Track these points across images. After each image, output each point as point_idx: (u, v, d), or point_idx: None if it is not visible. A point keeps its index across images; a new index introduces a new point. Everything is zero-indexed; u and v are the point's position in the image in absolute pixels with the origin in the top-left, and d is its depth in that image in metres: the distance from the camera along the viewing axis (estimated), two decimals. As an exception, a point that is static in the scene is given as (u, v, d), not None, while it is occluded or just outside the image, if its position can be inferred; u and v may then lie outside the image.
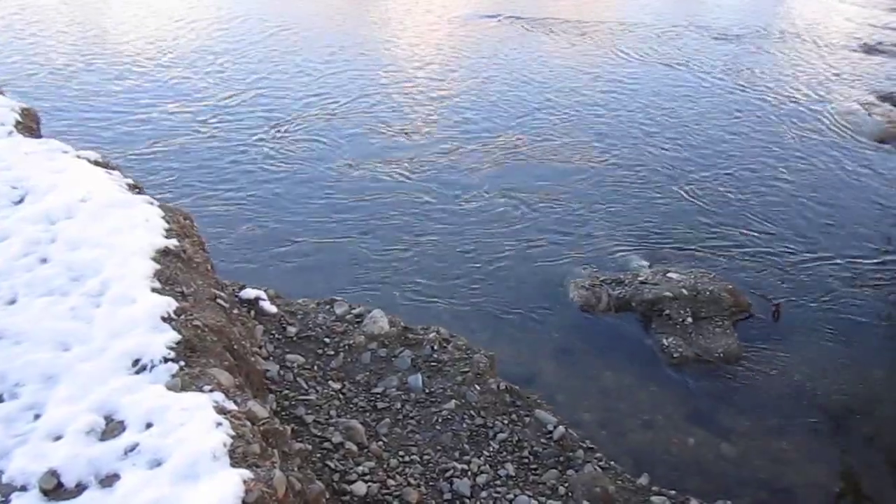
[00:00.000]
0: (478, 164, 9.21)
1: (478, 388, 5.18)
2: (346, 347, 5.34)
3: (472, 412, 4.98)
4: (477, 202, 8.45)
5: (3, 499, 2.68)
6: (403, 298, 6.70)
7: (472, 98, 11.18)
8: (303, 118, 10.12)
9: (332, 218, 7.86)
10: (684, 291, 7.10)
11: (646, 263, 7.82)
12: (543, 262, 7.66)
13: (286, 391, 4.69)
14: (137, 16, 14.31)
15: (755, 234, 8.36)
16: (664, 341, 6.66)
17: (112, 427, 3.00)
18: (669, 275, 7.46)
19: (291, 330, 5.33)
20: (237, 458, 2.83)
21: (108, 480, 2.76)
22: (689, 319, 6.88)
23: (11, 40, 12.56)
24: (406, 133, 9.87)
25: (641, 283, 7.33)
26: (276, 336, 5.22)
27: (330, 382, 4.98)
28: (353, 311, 5.73)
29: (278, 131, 9.65)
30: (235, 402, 3.21)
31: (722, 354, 6.57)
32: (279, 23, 14.15)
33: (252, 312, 5.19)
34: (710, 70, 13.34)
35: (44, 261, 3.94)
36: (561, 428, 5.03)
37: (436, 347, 5.48)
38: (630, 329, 6.93)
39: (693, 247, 8.13)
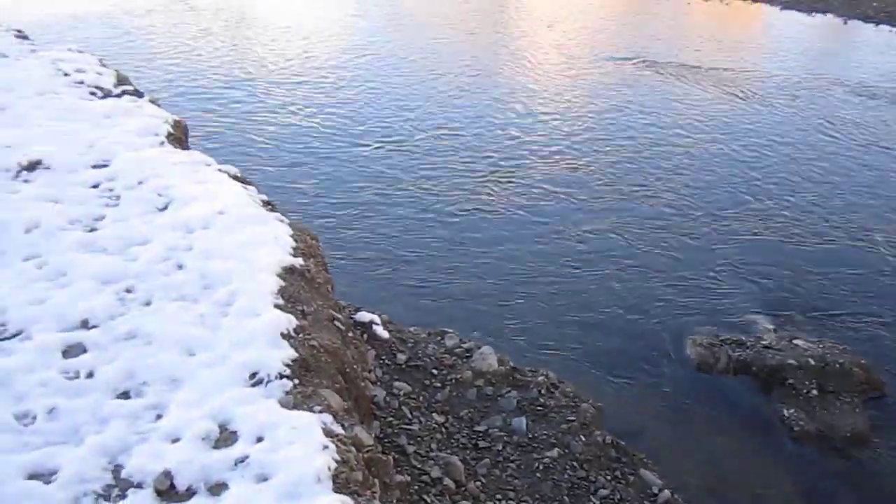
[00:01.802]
0: (598, 206, 9.06)
1: (583, 438, 5.03)
2: (453, 381, 5.32)
3: (574, 463, 4.84)
4: (594, 245, 8.29)
5: (121, 493, 2.80)
6: (513, 337, 6.63)
7: (597, 139, 11.05)
8: (431, 146, 10.28)
9: (451, 249, 7.91)
10: (811, 361, 6.68)
11: (770, 326, 7.41)
12: (661, 312, 7.41)
13: (390, 418, 4.72)
14: (280, 35, 15.04)
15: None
16: (784, 412, 6.27)
17: (225, 436, 3.09)
18: (796, 341, 7.04)
19: (401, 357, 5.37)
20: (340, 483, 2.84)
21: (217, 489, 2.84)
22: (815, 392, 6.45)
23: (168, 56, 13.49)
24: (525, 170, 9.84)
25: (764, 347, 6.95)
26: (386, 362, 5.27)
27: (434, 415, 4.97)
28: (463, 345, 5.72)
29: (410, 157, 9.83)
30: (343, 425, 3.24)
31: (848, 434, 6.10)
32: (416, 52, 14.50)
33: (365, 336, 5.27)
34: (848, 127, 12.65)
35: (179, 267, 4.15)
36: (666, 492, 4.81)
37: (543, 392, 5.38)
38: (748, 395, 6.56)
39: (825, 313, 7.64)
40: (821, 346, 6.94)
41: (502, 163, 9.95)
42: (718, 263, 8.31)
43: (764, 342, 7.01)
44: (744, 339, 7.07)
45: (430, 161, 9.82)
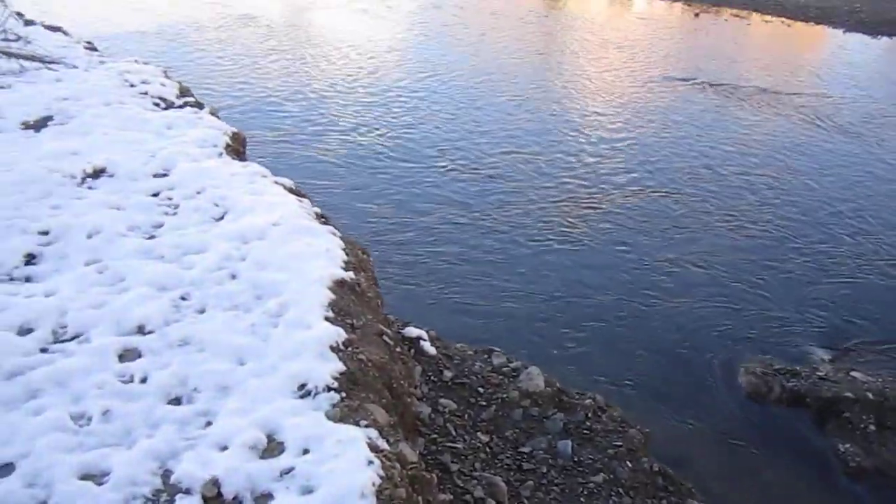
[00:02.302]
0: (653, 227, 8.94)
1: (629, 464, 4.94)
2: (499, 400, 5.28)
3: (620, 489, 4.75)
4: (647, 270, 8.18)
5: (169, 499, 2.84)
6: (562, 358, 6.57)
7: (653, 160, 10.91)
8: (493, 168, 10.25)
9: (504, 269, 7.88)
10: (869, 395, 6.45)
11: (827, 357, 7.20)
12: (713, 338, 7.26)
13: (435, 435, 4.70)
14: (344, 53, 15.21)
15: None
16: (840, 446, 6.06)
17: (272, 446, 3.12)
18: (853, 374, 6.82)
19: (447, 374, 5.36)
20: (383, 499, 2.84)
21: (263, 499, 2.86)
22: (872, 427, 6.23)
23: (231, 69, 13.81)
24: (584, 194, 9.77)
25: (820, 378, 6.75)
26: (432, 378, 5.27)
27: (478, 434, 4.94)
28: (510, 365, 5.68)
29: (466, 176, 9.84)
30: (388, 441, 3.24)
31: (908, 472, 5.88)
32: (483, 73, 14.48)
33: (412, 351, 5.27)
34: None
35: (233, 276, 4.22)
36: (714, 524, 4.68)
37: (590, 415, 5.31)
38: (801, 427, 6.37)
39: (885, 346, 7.39)
40: (880, 379, 6.71)
41: (561, 186, 9.89)
42: (775, 291, 8.11)
43: (820, 373, 6.81)
44: (798, 369, 6.87)
45: (490, 183, 9.79)
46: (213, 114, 7.00)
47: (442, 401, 5.09)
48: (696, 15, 19.81)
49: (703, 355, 7.06)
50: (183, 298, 4.03)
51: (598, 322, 7.22)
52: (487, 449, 4.84)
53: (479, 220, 8.68)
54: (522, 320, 7.04)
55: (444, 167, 9.88)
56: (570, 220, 8.90)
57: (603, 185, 9.97)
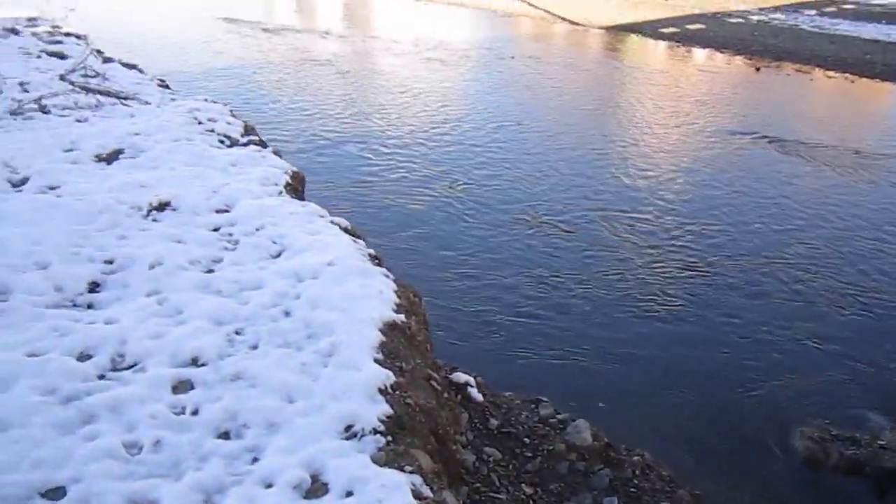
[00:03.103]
0: (718, 287, 8.76)
1: (677, 527, 4.79)
2: (545, 452, 5.20)
3: (666, 553, 4.60)
4: (705, 326, 8.00)
5: (214, 534, 2.86)
6: (610, 412, 6.44)
7: (709, 215, 10.74)
8: (545, 214, 10.22)
9: (552, 317, 7.81)
10: (935, 469, 6.15)
11: (888, 424, 6.90)
12: (769, 399, 7.03)
13: (478, 485, 4.64)
14: (407, 97, 15.47)
15: None
16: (902, 521, 5.78)
17: (316, 487, 3.12)
18: (918, 445, 6.51)
19: (493, 422, 5.31)
20: (425, 548, 2.81)
21: (305, 540, 2.86)
22: (938, 503, 5.93)
23: (294, 109, 14.19)
24: (637, 245, 9.66)
25: (881, 447, 6.46)
26: (478, 426, 5.22)
27: (523, 485, 4.85)
28: (558, 416, 5.59)
29: (520, 224, 9.83)
30: (432, 488, 3.22)
31: (978, 555, 5.56)
32: (543, 120, 14.56)
33: (459, 397, 5.24)
34: None
35: (287, 314, 4.28)
36: None
37: (637, 472, 5.17)
38: (860, 497, 6.08)
39: (952, 417, 7.05)
40: (947, 453, 6.39)
41: (619, 239, 9.78)
42: (836, 352, 7.85)
43: (881, 441, 6.52)
44: (858, 436, 6.59)
45: (547, 234, 9.73)
46: (275, 153, 7.18)
47: (487, 449, 5.03)
48: (758, 69, 19.64)
49: (758, 415, 6.84)
50: (237, 333, 4.11)
51: (649, 377, 7.08)
52: (531, 502, 4.75)
53: (534, 270, 8.64)
54: (572, 372, 6.95)
55: (500, 216, 9.91)
56: (625, 274, 8.79)
57: (659, 239, 9.85)
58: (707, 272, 8.95)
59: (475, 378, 5.62)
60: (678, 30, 22.56)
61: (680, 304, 8.22)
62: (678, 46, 21.35)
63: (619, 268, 8.83)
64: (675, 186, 11.56)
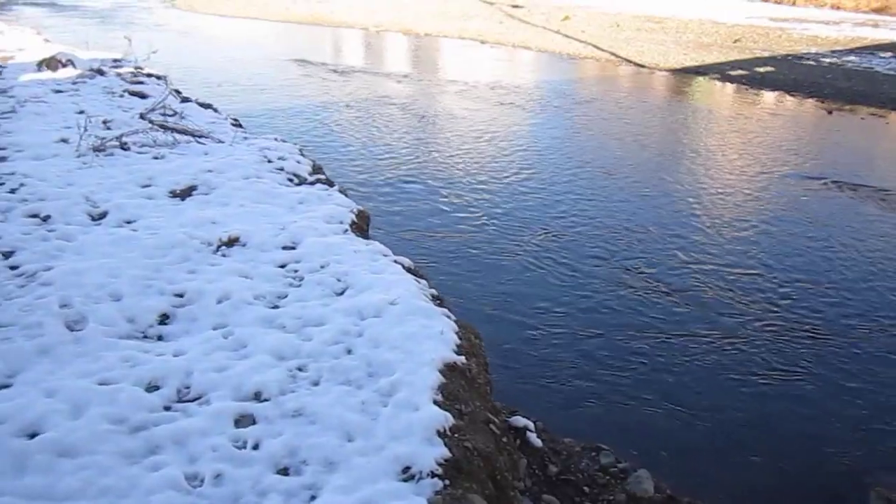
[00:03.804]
0: (796, 337, 8.44)
1: (743, 588, 4.57)
2: (605, 502, 5.06)
3: None
4: (781, 378, 7.72)
5: (269, 571, 2.86)
6: (674, 462, 6.22)
7: (795, 268, 10.35)
8: (622, 260, 10.03)
9: (616, 363, 7.64)
10: None
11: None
12: (842, 452, 6.69)
13: (535, 533, 4.54)
14: (477, 140, 15.52)
15: None
16: None
17: (373, 529, 3.10)
18: None
19: (552, 469, 5.20)
20: None
21: (359, 583, 2.83)
22: None
23: (360, 148, 14.46)
24: (718, 296, 9.40)
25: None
26: (537, 472, 5.12)
27: (581, 535, 4.73)
28: (619, 465, 5.45)
29: (584, 268, 9.69)
30: (489, 535, 3.17)
31: None
32: (611, 163, 14.41)
33: (518, 442, 5.17)
34: None
35: (348, 352, 4.32)
36: None
37: (701, 528, 4.98)
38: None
39: None
40: None
41: (690, 287, 9.54)
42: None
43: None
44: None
45: (616, 280, 9.56)
46: (342, 192, 7.32)
47: (545, 497, 4.92)
48: (830, 112, 19.16)
49: (830, 471, 6.52)
50: (299, 369, 4.16)
51: (715, 427, 6.84)
52: (590, 553, 4.62)
53: (601, 318, 8.47)
54: (635, 420, 6.76)
55: (570, 263, 9.77)
56: (699, 326, 8.52)
57: (742, 293, 9.54)
58: (789, 327, 8.63)
59: (534, 423, 5.53)
60: (747, 72, 22.24)
61: (758, 360, 7.92)
62: (747, 89, 21.02)
63: (693, 319, 8.59)
64: (757, 237, 11.21)
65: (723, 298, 9.07)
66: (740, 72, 22.37)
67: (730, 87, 21.46)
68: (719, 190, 13.11)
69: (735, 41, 26.07)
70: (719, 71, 22.60)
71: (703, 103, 19.94)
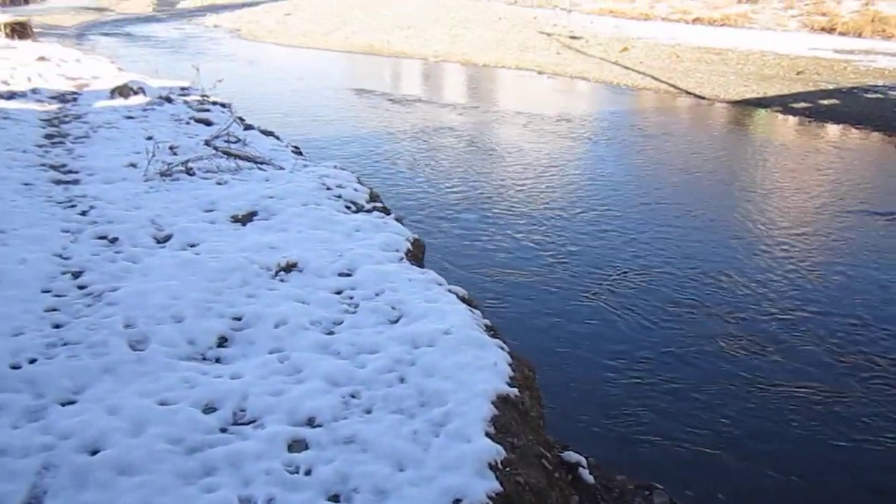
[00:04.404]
0: (868, 382, 8.12)
1: None
2: (658, 543, 4.93)
3: None
4: (839, 415, 7.43)
5: None
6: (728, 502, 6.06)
7: (871, 319, 9.93)
8: (671, 291, 9.85)
9: (673, 400, 7.48)
10: None
11: None
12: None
13: (586, 572, 4.44)
14: (540, 176, 15.45)
15: None
16: None
17: (422, 560, 3.08)
18: None
19: (604, 507, 5.10)
20: None
21: None
22: None
23: (418, 177, 14.60)
24: (793, 337, 9.08)
25: None
26: (588, 509, 5.02)
27: (633, 577, 4.61)
28: (672, 506, 5.31)
29: (644, 301, 9.49)
30: (539, 574, 3.11)
31: None
32: (672, 197, 14.13)
33: (570, 478, 5.08)
34: None
35: (401, 380, 4.33)
36: None
37: (760, 575, 4.80)
38: None
39: None
40: None
41: (752, 324, 9.24)
42: None
43: None
44: None
45: (676, 317, 9.34)
46: (398, 220, 7.39)
47: (596, 535, 4.83)
48: (896, 146, 18.62)
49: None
50: (353, 396, 4.18)
51: (774, 470, 6.62)
52: None
53: (660, 355, 8.30)
54: (691, 460, 6.59)
55: (631, 301, 9.61)
56: (767, 365, 8.24)
57: (816, 336, 9.19)
58: (868, 374, 8.28)
59: (587, 459, 5.43)
60: (810, 105, 21.76)
61: (848, 416, 7.58)
62: (810, 122, 20.55)
63: (772, 369, 8.31)
64: (842, 281, 10.84)
65: (806, 347, 8.74)
66: (803, 104, 21.91)
67: (792, 119, 21.04)
68: (795, 230, 12.72)
69: (798, 73, 25.57)
70: (781, 103, 22.18)
71: (765, 136, 19.58)
